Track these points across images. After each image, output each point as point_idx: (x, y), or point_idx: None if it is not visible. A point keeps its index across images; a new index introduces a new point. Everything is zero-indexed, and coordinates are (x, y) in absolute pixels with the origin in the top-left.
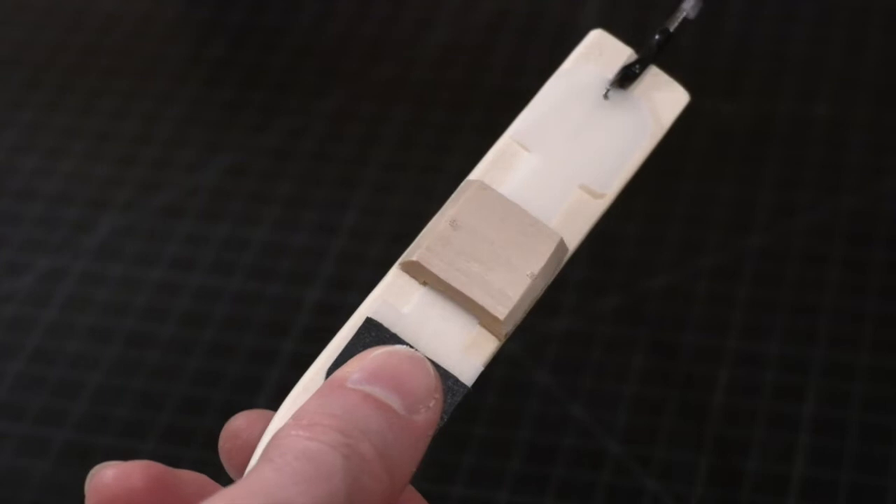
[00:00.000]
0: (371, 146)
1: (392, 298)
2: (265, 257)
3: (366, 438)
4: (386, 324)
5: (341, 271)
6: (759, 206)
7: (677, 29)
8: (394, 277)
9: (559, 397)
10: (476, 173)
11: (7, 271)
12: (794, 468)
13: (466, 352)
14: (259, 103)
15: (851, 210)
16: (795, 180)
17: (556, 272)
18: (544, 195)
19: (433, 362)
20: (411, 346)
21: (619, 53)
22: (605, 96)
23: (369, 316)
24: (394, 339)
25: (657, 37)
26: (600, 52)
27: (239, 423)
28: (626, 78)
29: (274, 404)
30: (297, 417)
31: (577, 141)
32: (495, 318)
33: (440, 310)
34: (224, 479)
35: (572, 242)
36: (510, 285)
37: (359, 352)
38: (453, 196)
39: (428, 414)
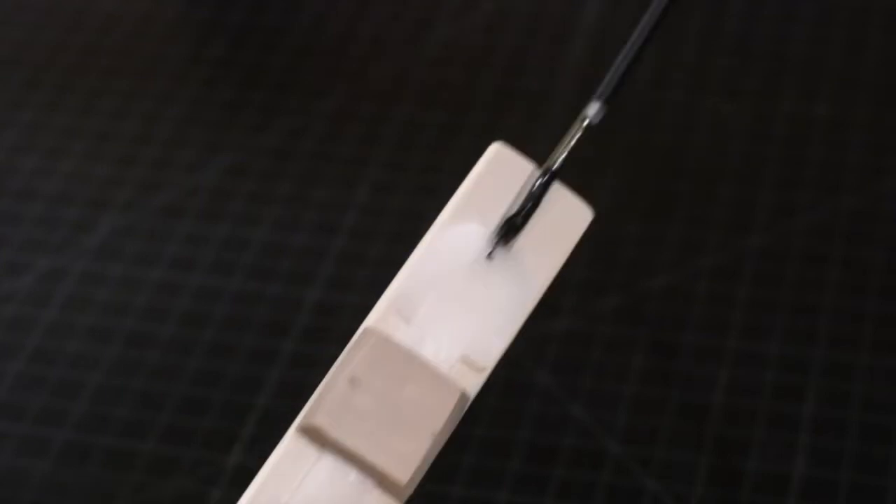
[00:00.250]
0: (371, 146)
1: (289, 466)
2: (265, 257)
3: None
4: (283, 499)
5: (341, 271)
6: (759, 206)
7: (575, 145)
8: (292, 442)
9: (559, 397)
10: (372, 318)
11: (7, 271)
12: (794, 468)
13: None
14: (259, 103)
15: (851, 210)
16: (795, 180)
17: (459, 419)
18: (436, 350)
19: None
20: None
21: (521, 171)
22: (489, 256)
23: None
24: None
25: (540, 181)
26: (500, 172)
27: None
28: (509, 231)
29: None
30: None
31: (458, 308)
32: (397, 483)
33: (340, 474)
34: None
35: (473, 391)
36: (412, 448)
37: None
38: (352, 345)
39: None
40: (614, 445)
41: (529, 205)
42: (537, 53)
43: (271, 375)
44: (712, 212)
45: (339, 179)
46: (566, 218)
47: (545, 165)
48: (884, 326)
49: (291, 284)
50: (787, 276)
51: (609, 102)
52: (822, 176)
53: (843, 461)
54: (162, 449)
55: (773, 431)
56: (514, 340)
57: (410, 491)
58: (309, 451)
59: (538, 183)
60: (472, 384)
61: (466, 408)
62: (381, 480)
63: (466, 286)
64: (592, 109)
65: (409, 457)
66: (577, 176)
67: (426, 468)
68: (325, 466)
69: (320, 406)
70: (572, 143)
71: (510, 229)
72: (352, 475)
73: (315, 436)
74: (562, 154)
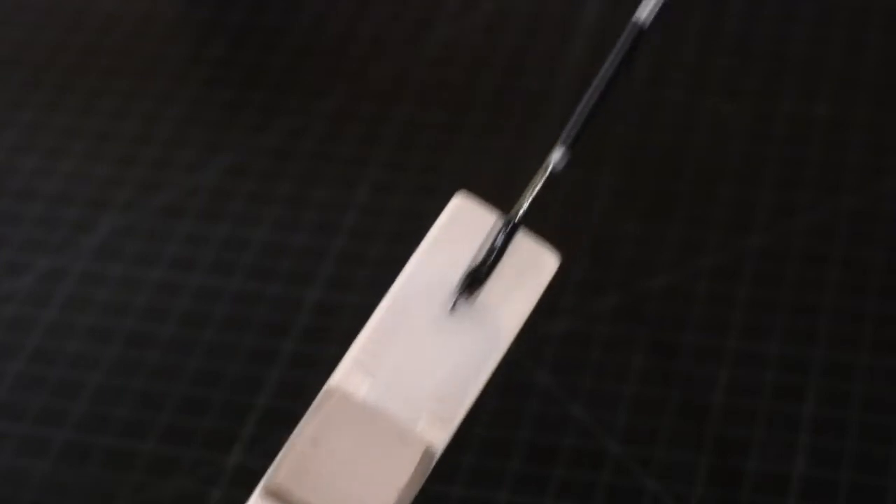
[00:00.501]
0: (371, 146)
1: None
2: (265, 257)
3: None
4: None
5: (341, 271)
6: (759, 206)
7: (542, 189)
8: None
9: (559, 397)
10: (336, 376)
11: (7, 271)
12: (794, 468)
13: None
14: (259, 103)
15: (851, 210)
16: (795, 180)
17: (427, 474)
18: (401, 406)
19: None
20: None
21: (484, 222)
22: (453, 309)
23: None
24: None
25: (501, 234)
26: (463, 224)
27: None
28: (473, 283)
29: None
30: None
31: (423, 363)
32: None
33: None
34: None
35: (440, 446)
36: None
37: None
38: (314, 405)
39: None
40: (614, 445)
41: (493, 256)
42: (537, 53)
43: (271, 375)
44: (712, 212)
45: (339, 179)
46: (531, 267)
47: (508, 216)
48: (884, 326)
49: (291, 284)
50: (787, 276)
51: (572, 148)
52: (822, 176)
53: (843, 461)
54: (162, 449)
55: (773, 431)
56: (481, 391)
57: None
58: None
59: (501, 234)
60: (439, 439)
61: (434, 462)
62: None
63: (431, 340)
64: (556, 156)
65: None
66: (577, 176)
67: None
68: None
69: (283, 467)
70: (536, 191)
71: (473, 281)
72: None
73: (279, 497)
74: (525, 203)
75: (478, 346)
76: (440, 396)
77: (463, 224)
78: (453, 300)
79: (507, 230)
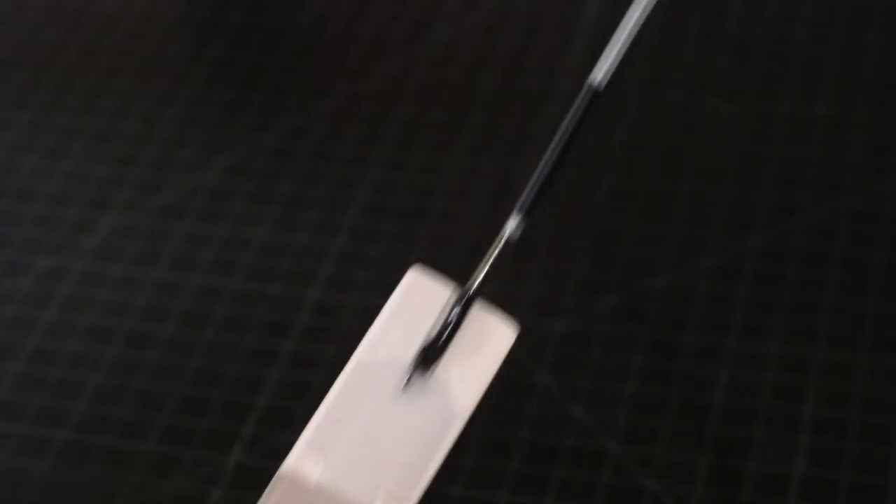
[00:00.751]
0: (371, 146)
1: None
2: (265, 257)
3: None
4: None
5: (341, 271)
6: (759, 206)
7: (496, 259)
8: None
9: (559, 397)
10: (289, 460)
11: (7, 271)
12: (794, 468)
13: None
14: (259, 103)
15: (851, 210)
16: (795, 180)
17: None
18: (356, 487)
19: None
20: None
21: (439, 296)
22: (406, 386)
23: None
24: None
25: (457, 307)
26: (417, 299)
27: None
28: (428, 359)
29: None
30: None
31: (378, 443)
32: None
33: None
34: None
35: None
36: None
37: None
38: (267, 491)
39: None
40: (614, 445)
41: (448, 329)
42: (537, 53)
43: (271, 375)
44: (712, 212)
45: (339, 179)
46: (489, 338)
47: (462, 289)
48: (884, 326)
49: (291, 284)
50: (787, 276)
51: (529, 216)
52: (822, 176)
53: (843, 461)
54: (162, 449)
55: (773, 431)
56: (436, 472)
57: None
58: None
59: (456, 307)
60: None
61: None
62: None
63: (386, 419)
64: (512, 225)
65: None
66: (576, 176)
67: None
68: None
69: None
70: (491, 261)
71: (428, 357)
72: None
73: None
74: (480, 275)
75: (433, 424)
76: (396, 476)
77: (418, 298)
78: (407, 377)
79: (463, 302)
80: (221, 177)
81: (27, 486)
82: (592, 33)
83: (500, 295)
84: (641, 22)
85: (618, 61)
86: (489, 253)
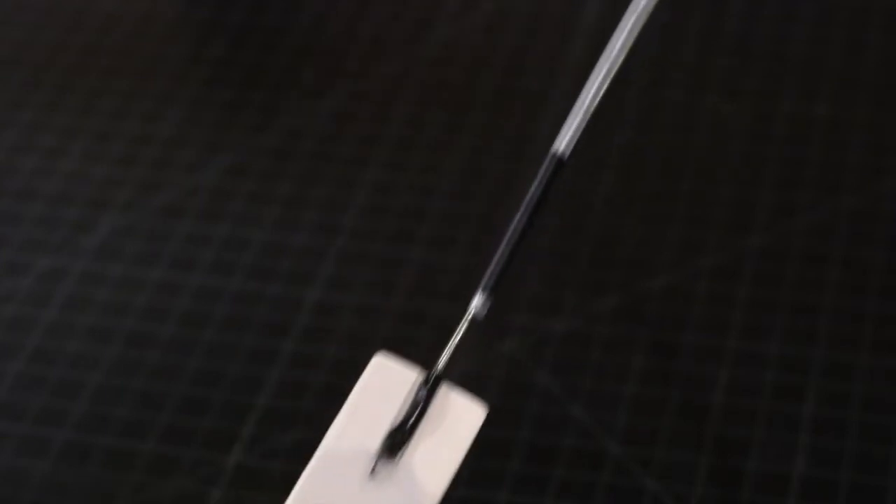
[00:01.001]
0: (371, 146)
1: None
2: (265, 257)
3: None
4: None
5: (341, 271)
6: (759, 206)
7: (463, 336)
8: None
9: (559, 398)
10: None
11: (7, 271)
12: (794, 468)
13: None
14: (259, 103)
15: (851, 210)
16: (795, 180)
17: None
18: None
19: None
20: None
21: (405, 380)
22: (373, 473)
23: None
24: None
25: (423, 390)
26: (383, 384)
27: None
28: (395, 444)
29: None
30: None
31: None
32: None
33: None
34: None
35: None
36: None
37: None
38: None
39: None
40: (614, 446)
41: (415, 414)
42: (537, 53)
43: (271, 375)
44: (712, 212)
45: (339, 179)
46: (457, 420)
47: (428, 373)
48: (884, 326)
49: (291, 284)
50: (787, 276)
51: (493, 293)
52: (822, 176)
53: (843, 461)
54: (162, 449)
55: (773, 431)
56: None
57: None
58: None
59: (423, 390)
60: None
61: None
62: None
63: None
64: (477, 303)
65: None
66: (576, 176)
67: None
68: None
69: None
70: (457, 341)
71: (395, 442)
72: None
73: None
74: (446, 356)
75: None
76: None
77: (383, 383)
78: (374, 464)
79: (429, 385)
80: (221, 177)
81: (27, 486)
82: (592, 33)
83: (500, 295)
84: (603, 89)
85: (580, 130)
86: (455, 333)
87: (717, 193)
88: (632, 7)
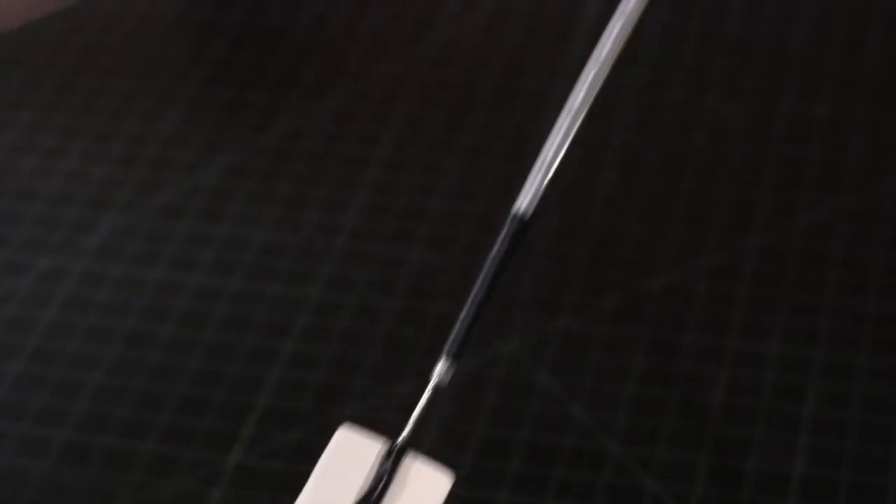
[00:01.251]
0: (371, 146)
1: None
2: (265, 257)
3: None
4: None
5: (341, 271)
6: (759, 206)
7: (427, 404)
8: None
9: (559, 398)
10: None
11: (7, 271)
12: (794, 468)
13: None
14: (259, 103)
15: (851, 210)
16: (795, 180)
17: None
18: None
19: None
20: None
21: (370, 451)
22: None
23: None
24: None
25: (389, 461)
26: (348, 456)
27: None
28: None
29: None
30: None
31: None
32: None
33: None
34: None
35: None
36: None
37: None
38: None
39: None
40: (614, 446)
41: (381, 484)
42: (537, 53)
43: (271, 375)
44: (712, 212)
45: (339, 179)
46: (422, 490)
47: (393, 443)
48: (884, 326)
49: (291, 284)
50: (787, 276)
51: (457, 359)
52: (822, 176)
53: (843, 461)
54: (162, 449)
55: (773, 431)
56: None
57: None
58: None
59: (388, 460)
60: None
61: None
62: None
63: None
64: (441, 370)
65: None
66: (576, 176)
67: None
68: None
69: None
70: (421, 410)
71: None
72: None
73: None
74: (410, 424)
75: None
76: None
77: (348, 455)
78: None
79: (394, 455)
80: (221, 177)
81: (27, 486)
82: (592, 33)
83: (500, 295)
84: (563, 149)
85: (541, 190)
86: (421, 403)
87: (717, 193)
88: (587, 68)
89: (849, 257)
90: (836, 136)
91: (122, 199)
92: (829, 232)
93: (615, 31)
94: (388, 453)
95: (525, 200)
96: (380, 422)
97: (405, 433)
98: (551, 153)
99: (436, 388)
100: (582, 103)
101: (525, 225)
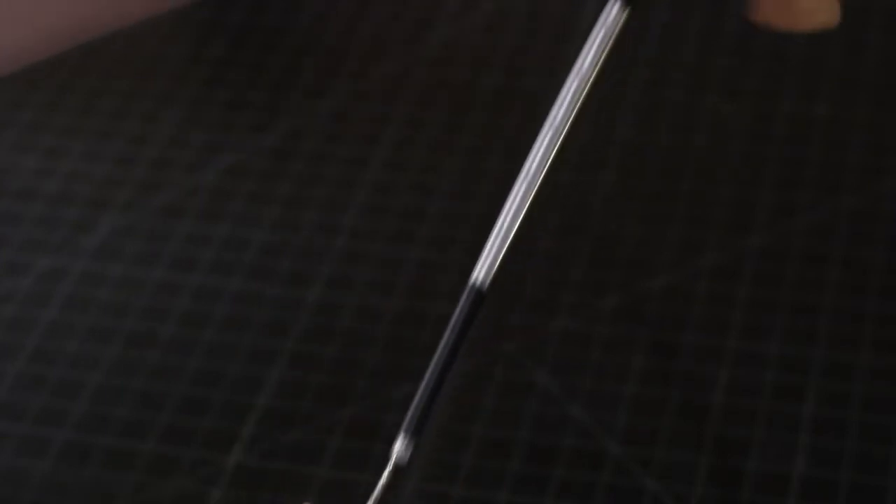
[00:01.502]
0: (371, 146)
1: None
2: (265, 257)
3: None
4: None
5: (341, 271)
6: (759, 206)
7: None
8: None
9: (559, 398)
10: None
11: (7, 271)
12: (794, 468)
13: None
14: (259, 103)
15: (851, 210)
16: (795, 180)
17: None
18: None
19: None
20: None
21: None
22: None
23: None
24: None
25: None
26: None
27: None
28: None
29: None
30: None
31: None
32: None
33: None
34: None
35: None
36: None
37: None
38: None
39: None
40: (614, 446)
41: None
42: (537, 53)
43: (271, 375)
44: (712, 212)
45: (339, 179)
46: None
47: None
48: (884, 326)
49: (291, 284)
50: (787, 276)
51: (416, 436)
52: (822, 176)
53: (843, 461)
54: (162, 449)
55: (773, 431)
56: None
57: None
58: None
59: None
60: None
61: None
62: None
63: None
64: (399, 448)
65: None
66: (576, 176)
67: None
68: None
69: None
70: (379, 492)
71: None
72: None
73: None
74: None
75: None
76: None
77: None
78: None
79: None
80: (221, 177)
81: (27, 486)
82: None
83: (500, 295)
84: (519, 219)
85: (498, 260)
86: (378, 485)
87: (717, 193)
88: (542, 134)
89: (849, 257)
90: (836, 136)
91: (122, 199)
92: (829, 232)
93: (569, 95)
94: None
95: (482, 271)
96: (379, 422)
97: None
98: (507, 222)
99: (395, 469)
100: (537, 169)
101: (482, 297)
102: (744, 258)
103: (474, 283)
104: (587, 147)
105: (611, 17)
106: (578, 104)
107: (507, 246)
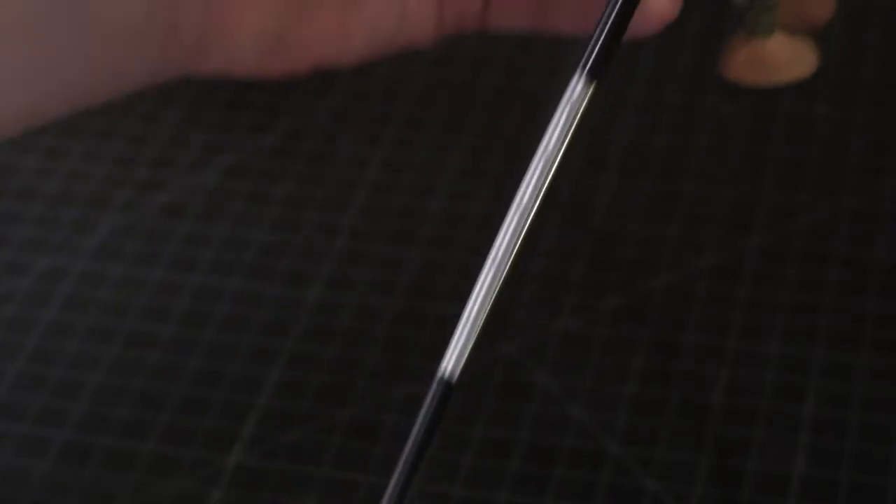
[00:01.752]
0: (371, 146)
1: None
2: (265, 257)
3: None
4: None
5: (341, 271)
6: (759, 206)
7: None
8: None
9: (559, 398)
10: None
11: (7, 271)
12: (794, 468)
13: None
14: (259, 103)
15: (851, 210)
16: (795, 180)
17: None
18: None
19: None
20: None
21: None
22: None
23: None
24: None
25: None
26: None
27: None
28: None
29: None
30: None
31: None
32: None
33: None
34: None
35: None
36: None
37: None
38: None
39: None
40: (614, 446)
41: None
42: (537, 53)
43: (271, 375)
44: (712, 212)
45: (339, 179)
46: None
47: None
48: (884, 326)
49: (291, 284)
50: (787, 276)
51: None
52: (822, 176)
53: (843, 461)
54: (162, 449)
55: (773, 431)
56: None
57: None
58: None
59: None
60: None
61: None
62: None
63: None
64: None
65: None
66: (576, 176)
67: None
68: None
69: None
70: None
71: None
72: None
73: None
74: None
75: None
76: None
77: None
78: None
79: None
80: (221, 177)
81: (27, 486)
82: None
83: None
84: (487, 306)
85: (467, 351)
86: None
87: (717, 193)
88: (500, 237)
89: (849, 257)
90: (836, 136)
91: (122, 199)
92: (829, 232)
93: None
94: None
95: (451, 362)
96: (379, 422)
97: None
98: (476, 310)
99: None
100: (503, 256)
101: (450, 388)
102: (744, 258)
103: (442, 375)
104: (587, 147)
105: (575, 94)
106: (545, 186)
107: (476, 334)
